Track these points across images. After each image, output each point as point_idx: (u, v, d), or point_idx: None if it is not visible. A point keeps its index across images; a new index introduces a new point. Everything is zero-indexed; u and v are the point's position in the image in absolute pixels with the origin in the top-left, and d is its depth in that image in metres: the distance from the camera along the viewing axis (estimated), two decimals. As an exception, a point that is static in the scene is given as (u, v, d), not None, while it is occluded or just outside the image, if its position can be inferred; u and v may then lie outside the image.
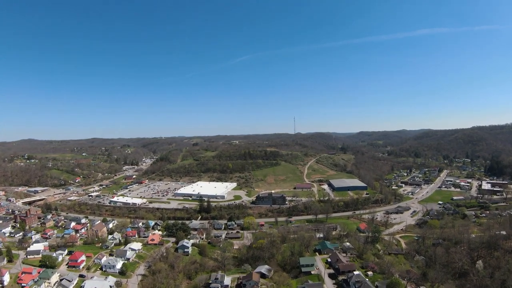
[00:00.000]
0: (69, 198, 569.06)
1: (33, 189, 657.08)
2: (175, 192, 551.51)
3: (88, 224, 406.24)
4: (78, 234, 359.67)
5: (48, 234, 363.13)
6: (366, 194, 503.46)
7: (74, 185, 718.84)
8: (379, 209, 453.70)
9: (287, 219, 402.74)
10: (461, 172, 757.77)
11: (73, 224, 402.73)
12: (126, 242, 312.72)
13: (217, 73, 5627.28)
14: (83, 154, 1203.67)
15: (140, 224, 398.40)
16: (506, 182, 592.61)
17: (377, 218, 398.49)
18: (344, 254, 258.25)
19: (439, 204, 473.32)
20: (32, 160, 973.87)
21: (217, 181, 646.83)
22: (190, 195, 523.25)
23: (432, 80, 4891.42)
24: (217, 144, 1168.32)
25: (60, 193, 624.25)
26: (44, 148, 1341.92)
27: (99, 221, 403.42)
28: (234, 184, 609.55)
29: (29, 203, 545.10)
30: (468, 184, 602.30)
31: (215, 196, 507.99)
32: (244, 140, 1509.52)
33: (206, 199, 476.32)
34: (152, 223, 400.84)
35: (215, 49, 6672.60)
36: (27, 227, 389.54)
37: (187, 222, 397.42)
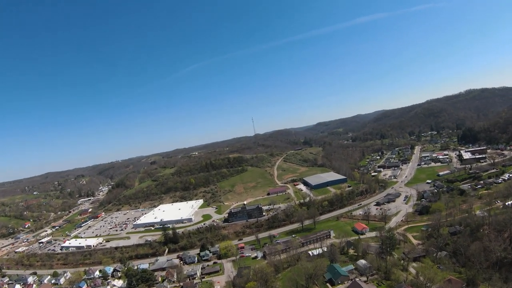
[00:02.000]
0: (17, 250, 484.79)
1: None
2: (135, 223, 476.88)
3: (34, 285, 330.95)
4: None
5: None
6: (349, 186, 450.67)
7: (24, 231, 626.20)
8: (368, 201, 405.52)
9: (270, 235, 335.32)
10: (434, 146, 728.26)
11: (16, 287, 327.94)
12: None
13: (168, 86, 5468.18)
14: (34, 193, 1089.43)
15: (97, 272, 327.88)
16: (485, 147, 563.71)
17: (370, 212, 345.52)
18: (365, 279, 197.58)
19: (428, 183, 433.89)
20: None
21: (181, 201, 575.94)
22: (152, 224, 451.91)
23: (380, 63, 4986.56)
24: (176, 159, 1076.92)
25: (8, 245, 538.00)
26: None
27: (48, 277, 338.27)
28: (201, 201, 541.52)
29: None
30: (447, 157, 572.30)
31: (181, 221, 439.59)
32: (204, 150, 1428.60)
33: (171, 225, 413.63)
34: (110, 269, 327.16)
35: (158, 63, 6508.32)
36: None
37: (152, 260, 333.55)
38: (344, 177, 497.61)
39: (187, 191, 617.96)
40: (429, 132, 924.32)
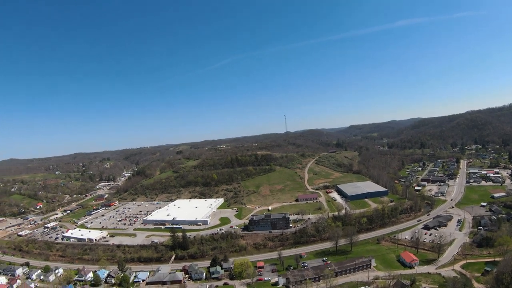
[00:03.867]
0: (20, 233, 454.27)
1: None
2: (145, 218, 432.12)
3: (18, 281, 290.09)
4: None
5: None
6: (391, 201, 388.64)
7: (34, 212, 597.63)
8: (413, 222, 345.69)
9: (296, 254, 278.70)
10: (482, 161, 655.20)
11: (1, 278, 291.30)
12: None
13: (202, 76, 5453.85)
14: (56, 172, 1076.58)
15: (90, 274, 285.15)
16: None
17: (419, 237, 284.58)
18: None
19: (483, 206, 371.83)
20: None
21: (199, 198, 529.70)
22: (163, 222, 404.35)
23: (419, 69, 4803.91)
24: (201, 151, 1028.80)
25: (14, 225, 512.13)
26: (18, 169, 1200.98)
27: (38, 271, 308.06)
28: (221, 201, 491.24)
29: None
30: (499, 175, 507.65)
31: (196, 222, 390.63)
32: (232, 143, 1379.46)
33: (182, 227, 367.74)
34: (105, 273, 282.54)
35: (198, 52, 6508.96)
36: None
37: (154, 267, 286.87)
38: (385, 189, 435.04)
39: (208, 187, 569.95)
40: (474, 146, 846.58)
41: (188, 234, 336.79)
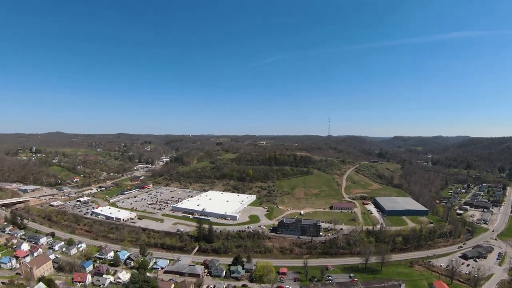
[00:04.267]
0: (52, 203, 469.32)
1: (24, 187, 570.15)
2: (175, 205, 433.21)
3: (39, 250, 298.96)
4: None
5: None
6: (430, 222, 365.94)
7: (70, 185, 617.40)
8: (451, 249, 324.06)
9: (322, 266, 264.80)
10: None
11: (24, 245, 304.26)
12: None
13: (249, 71, 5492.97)
14: (98, 149, 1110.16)
15: (111, 253, 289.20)
16: None
17: (455, 267, 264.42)
18: None
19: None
20: (39, 155, 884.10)
21: (232, 191, 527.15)
22: (192, 212, 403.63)
23: (472, 86, 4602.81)
24: (240, 145, 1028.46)
25: (48, 195, 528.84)
26: (62, 142, 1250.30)
27: (62, 243, 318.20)
28: (253, 198, 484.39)
29: (5, 205, 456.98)
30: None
31: (224, 216, 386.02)
32: (272, 141, 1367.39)
33: (210, 219, 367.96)
34: (125, 255, 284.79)
35: (247, 48, 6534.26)
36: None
37: (175, 256, 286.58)
38: (425, 208, 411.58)
39: (242, 182, 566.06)
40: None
41: (214, 227, 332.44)
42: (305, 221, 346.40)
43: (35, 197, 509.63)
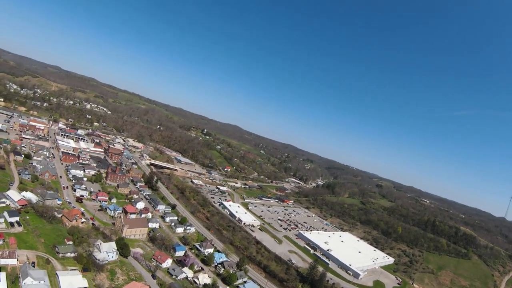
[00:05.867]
0: (193, 180, 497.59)
1: (180, 158, 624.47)
2: (301, 232, 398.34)
3: (143, 215, 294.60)
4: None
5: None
6: None
7: (220, 172, 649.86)
8: None
9: None
10: None
11: (139, 204, 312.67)
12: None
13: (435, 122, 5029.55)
14: (261, 151, 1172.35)
15: (209, 250, 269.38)
16: None
17: None
18: None
19: None
20: (207, 137, 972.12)
21: (370, 243, 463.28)
22: (315, 247, 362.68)
23: None
24: (401, 195, 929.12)
25: (196, 173, 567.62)
26: (233, 134, 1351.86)
27: (156, 217, 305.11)
28: (390, 261, 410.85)
29: (155, 165, 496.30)
30: None
31: (347, 268, 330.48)
32: (437, 203, 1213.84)
33: (330, 263, 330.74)
34: (220, 258, 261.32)
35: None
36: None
37: (268, 286, 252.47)
38: None
39: (385, 236, 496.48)
40: None
41: (329, 275, 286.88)
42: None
43: (183, 169, 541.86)
